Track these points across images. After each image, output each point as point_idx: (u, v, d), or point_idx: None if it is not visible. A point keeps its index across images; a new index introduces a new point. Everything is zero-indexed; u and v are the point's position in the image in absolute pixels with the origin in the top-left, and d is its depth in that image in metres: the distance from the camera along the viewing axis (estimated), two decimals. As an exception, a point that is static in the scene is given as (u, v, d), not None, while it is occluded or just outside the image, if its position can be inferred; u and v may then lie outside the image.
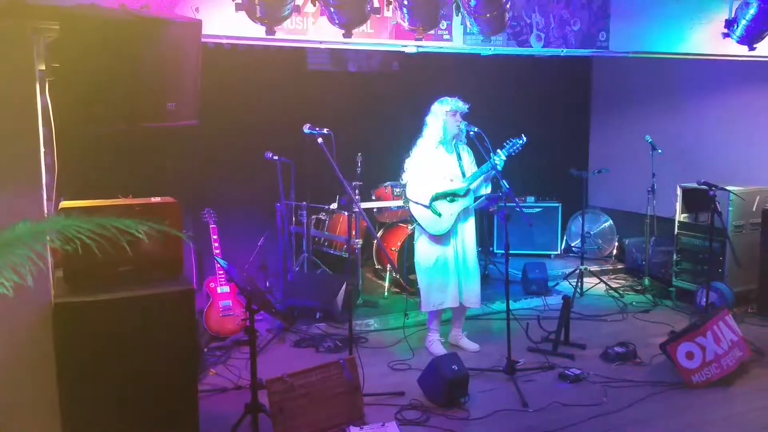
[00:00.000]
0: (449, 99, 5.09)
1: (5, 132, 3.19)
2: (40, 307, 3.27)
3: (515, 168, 5.51)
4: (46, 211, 3.35)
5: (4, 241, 2.16)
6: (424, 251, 5.25)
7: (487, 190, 5.25)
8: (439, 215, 5.11)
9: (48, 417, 3.27)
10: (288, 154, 6.27)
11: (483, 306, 6.33)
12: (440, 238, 5.16)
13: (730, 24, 5.28)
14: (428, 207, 5.10)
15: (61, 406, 3.26)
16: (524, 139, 5.09)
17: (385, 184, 7.13)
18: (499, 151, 5.05)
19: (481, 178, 5.14)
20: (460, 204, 5.15)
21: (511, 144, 5.08)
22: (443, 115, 5.07)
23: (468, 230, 5.27)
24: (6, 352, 3.21)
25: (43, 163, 3.33)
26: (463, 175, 5.16)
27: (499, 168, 5.01)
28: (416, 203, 5.16)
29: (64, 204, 3.60)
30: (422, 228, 5.20)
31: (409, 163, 5.22)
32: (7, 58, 3.16)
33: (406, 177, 5.22)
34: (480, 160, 5.23)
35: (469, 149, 5.28)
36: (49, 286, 3.34)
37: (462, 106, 5.07)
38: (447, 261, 5.18)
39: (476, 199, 5.24)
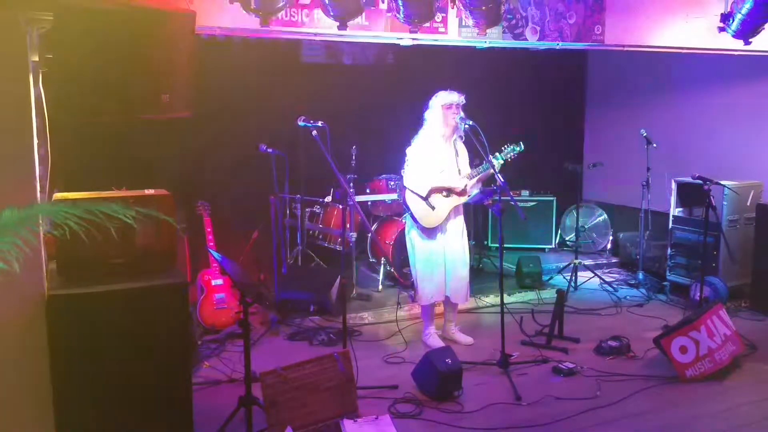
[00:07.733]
0: (444, 92, 5.07)
1: (-2, 123, 3.16)
2: (34, 299, 3.25)
3: (510, 161, 5.50)
4: (39, 202, 3.32)
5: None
6: (416, 244, 5.26)
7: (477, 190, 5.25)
8: (433, 209, 5.11)
9: (41, 409, 3.26)
10: (282, 146, 6.25)
11: (477, 299, 6.37)
12: (430, 231, 5.16)
13: (725, 18, 5.29)
14: (424, 199, 5.10)
15: (54, 398, 3.25)
16: (522, 146, 5.08)
17: (380, 177, 7.11)
18: (497, 154, 5.04)
19: (478, 177, 5.15)
20: (455, 200, 5.15)
21: (509, 149, 5.08)
22: (439, 109, 5.05)
23: (456, 226, 5.25)
24: (-1, 345, 3.19)
25: (37, 154, 3.31)
26: (458, 172, 5.15)
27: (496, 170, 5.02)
28: (413, 192, 5.14)
29: (58, 196, 3.58)
30: (414, 219, 5.19)
31: (410, 151, 5.20)
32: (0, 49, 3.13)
33: (407, 165, 5.20)
34: (476, 159, 5.23)
35: (464, 147, 5.22)
36: (42, 278, 3.32)
37: (457, 98, 5.04)
38: (437, 254, 5.18)
39: (469, 196, 5.23)
